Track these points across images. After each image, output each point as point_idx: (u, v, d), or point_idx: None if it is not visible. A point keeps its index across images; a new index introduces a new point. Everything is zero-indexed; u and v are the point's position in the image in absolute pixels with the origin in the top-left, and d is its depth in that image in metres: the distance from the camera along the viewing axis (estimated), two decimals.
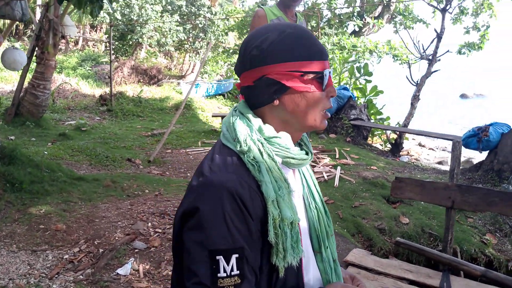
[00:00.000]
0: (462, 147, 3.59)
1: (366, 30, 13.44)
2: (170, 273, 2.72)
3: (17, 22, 8.84)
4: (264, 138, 0.90)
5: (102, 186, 4.25)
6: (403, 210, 4.17)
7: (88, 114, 9.59)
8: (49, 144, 6.22)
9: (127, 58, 15.07)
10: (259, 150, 0.88)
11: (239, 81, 0.99)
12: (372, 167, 5.64)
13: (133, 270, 2.73)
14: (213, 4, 15.45)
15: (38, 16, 10.28)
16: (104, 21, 15.00)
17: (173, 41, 14.86)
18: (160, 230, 3.32)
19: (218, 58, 15.59)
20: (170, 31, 14.41)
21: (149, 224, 3.43)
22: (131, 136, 7.53)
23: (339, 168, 5.27)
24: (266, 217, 0.83)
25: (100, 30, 19.44)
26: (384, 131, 8.48)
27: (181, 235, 0.86)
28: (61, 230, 3.16)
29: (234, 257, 0.78)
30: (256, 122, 0.92)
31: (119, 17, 13.81)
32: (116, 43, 14.45)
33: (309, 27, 11.85)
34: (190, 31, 15.08)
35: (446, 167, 7.86)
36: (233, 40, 17.74)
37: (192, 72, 16.00)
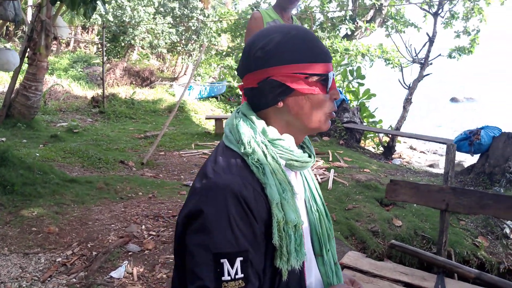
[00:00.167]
0: None
1: (358, 34, 13.53)
2: (164, 276, 2.71)
3: (8, 23, 8.75)
4: (268, 140, 0.90)
5: (95, 189, 4.22)
6: (396, 212, 4.20)
7: (80, 116, 9.51)
8: (40, 146, 6.15)
9: (119, 59, 15.00)
10: (263, 152, 0.88)
11: (240, 83, 0.99)
12: (365, 170, 5.67)
13: (127, 273, 2.71)
14: (206, 6, 15.45)
15: (29, 16, 10.19)
16: (96, 22, 14.92)
17: (166, 43, 14.83)
18: (154, 233, 3.30)
19: (211, 60, 15.58)
20: (162, 33, 14.38)
21: (143, 226, 3.41)
22: (124, 138, 7.49)
23: (332, 170, 5.29)
24: (270, 219, 0.83)
25: (92, 32, 19.34)
26: (376, 134, 8.53)
27: (183, 238, 0.85)
28: (54, 232, 3.13)
29: (238, 260, 0.78)
30: (260, 124, 0.91)
31: (111, 18, 13.75)
32: (108, 44, 14.38)
33: None
34: (183, 33, 15.06)
35: (438, 170, 7.93)
36: (226, 42, 17.74)
37: (184, 74, 15.97)
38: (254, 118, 0.92)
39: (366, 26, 12.64)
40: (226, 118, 8.46)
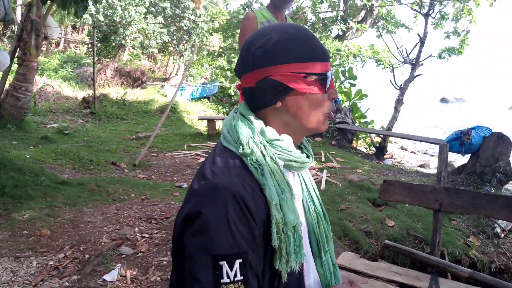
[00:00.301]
0: None
1: (350, 34, 13.58)
2: (158, 278, 2.69)
3: None
4: (266, 141, 0.89)
5: (86, 191, 4.18)
6: (388, 213, 4.22)
7: (70, 117, 9.43)
8: (31, 147, 6.08)
9: (110, 60, 14.90)
10: (262, 153, 0.87)
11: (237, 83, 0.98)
12: (357, 170, 5.70)
13: (120, 276, 2.68)
14: (197, 6, 15.40)
15: (18, 16, 10.06)
16: (87, 22, 14.80)
17: (157, 43, 14.76)
18: (147, 235, 3.28)
19: (203, 61, 15.54)
20: (153, 33, 14.31)
21: (136, 229, 3.38)
22: (116, 140, 7.43)
23: (325, 171, 5.30)
24: (268, 220, 0.82)
25: (82, 32, 19.16)
26: (368, 135, 8.58)
27: (181, 239, 0.84)
28: (46, 235, 3.09)
29: (237, 262, 0.77)
30: (258, 124, 0.91)
31: (101, 18, 13.64)
32: (99, 44, 14.26)
33: None
34: (174, 33, 15.00)
35: (428, 170, 8.00)
36: (217, 42, 17.71)
37: (176, 74, 15.91)
38: (252, 118, 0.91)
39: (357, 26, 12.69)
40: (219, 119, 8.44)
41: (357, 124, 8.85)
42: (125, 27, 13.83)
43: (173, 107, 10.62)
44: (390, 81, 8.65)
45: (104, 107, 10.27)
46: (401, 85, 8.48)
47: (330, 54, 11.25)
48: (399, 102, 8.43)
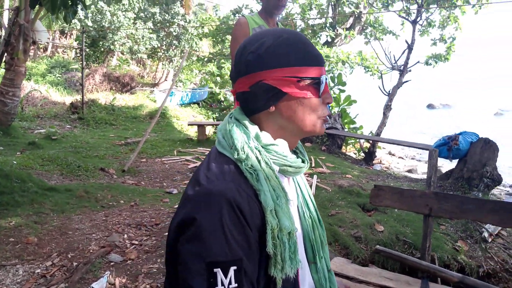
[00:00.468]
0: None
1: (339, 41, 13.71)
2: (148, 286, 2.65)
3: None
4: (262, 146, 0.89)
5: (75, 197, 4.12)
6: (378, 218, 4.24)
7: (58, 122, 9.32)
8: (18, 153, 5.99)
9: (98, 65, 14.80)
10: (257, 158, 0.86)
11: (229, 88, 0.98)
12: (347, 176, 5.72)
13: (109, 284, 2.64)
14: (187, 12, 15.40)
15: (6, 20, 9.95)
16: (75, 27, 14.69)
17: (146, 48, 14.71)
18: (136, 242, 3.24)
19: (193, 66, 15.52)
20: (143, 39, 14.26)
21: (125, 236, 3.34)
22: (104, 145, 7.36)
23: (315, 176, 5.31)
24: (263, 226, 0.81)
25: (70, 37, 19.01)
26: (357, 140, 8.64)
27: (175, 246, 0.83)
28: (33, 243, 3.03)
29: (232, 269, 0.76)
30: (253, 129, 0.90)
31: (90, 23, 13.56)
32: (87, 49, 14.16)
33: None
34: (164, 38, 14.97)
35: (416, 175, 8.09)
36: (207, 48, 17.71)
37: (165, 80, 15.87)
38: (247, 123, 0.91)
39: (346, 33, 12.83)
40: (209, 124, 8.42)
41: (346, 130, 8.91)
42: (114, 32, 13.77)
43: (163, 113, 10.58)
44: (379, 87, 8.74)
45: (93, 112, 10.18)
46: (389, 91, 8.58)
47: None
48: (387, 108, 8.52)
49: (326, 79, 0.93)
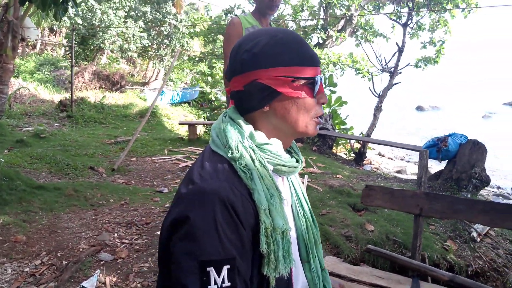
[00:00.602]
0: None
1: (330, 43, 13.77)
2: (138, 285, 2.64)
3: None
4: (256, 145, 0.88)
5: (63, 195, 4.08)
6: (368, 217, 4.26)
7: (47, 120, 9.21)
8: (6, 151, 5.91)
9: (88, 63, 14.68)
10: (251, 157, 0.86)
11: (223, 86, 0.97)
12: (338, 176, 5.75)
13: (99, 283, 2.62)
14: (178, 11, 15.34)
15: None
16: (64, 25, 14.54)
17: (137, 47, 14.62)
18: (127, 241, 3.22)
19: (184, 65, 15.46)
20: (133, 37, 14.17)
21: (115, 234, 3.32)
22: (93, 144, 7.29)
23: (306, 176, 5.33)
24: (257, 226, 0.81)
25: (60, 34, 18.82)
26: (348, 141, 8.68)
27: (168, 244, 0.82)
28: (21, 241, 3.00)
29: (225, 268, 0.75)
30: (247, 128, 0.90)
31: (80, 21, 13.44)
32: (77, 47, 14.03)
33: None
34: (155, 37, 14.89)
35: (406, 176, 8.15)
36: (198, 48, 17.66)
37: (156, 79, 15.80)
38: (241, 122, 0.91)
39: (337, 35, 12.89)
40: (200, 124, 8.39)
41: (337, 131, 8.96)
42: (104, 30, 13.66)
43: (153, 112, 10.52)
44: (370, 89, 8.80)
45: (82, 110, 10.08)
46: (380, 93, 8.64)
47: None
48: (378, 109, 8.58)
49: (321, 79, 0.92)
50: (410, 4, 8.89)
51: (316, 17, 13.70)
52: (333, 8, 13.35)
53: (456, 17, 9.50)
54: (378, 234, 3.94)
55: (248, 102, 0.90)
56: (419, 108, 23.76)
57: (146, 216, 3.72)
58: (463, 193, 4.69)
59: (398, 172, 9.26)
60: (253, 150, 0.87)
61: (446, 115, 21.16)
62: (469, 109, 22.37)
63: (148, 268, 2.79)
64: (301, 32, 13.39)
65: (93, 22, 13.56)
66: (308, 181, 5.15)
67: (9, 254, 2.84)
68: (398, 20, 9.17)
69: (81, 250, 2.98)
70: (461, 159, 4.96)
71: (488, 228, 3.88)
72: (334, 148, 8.61)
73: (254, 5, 2.64)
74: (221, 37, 13.63)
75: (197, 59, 14.54)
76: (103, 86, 13.67)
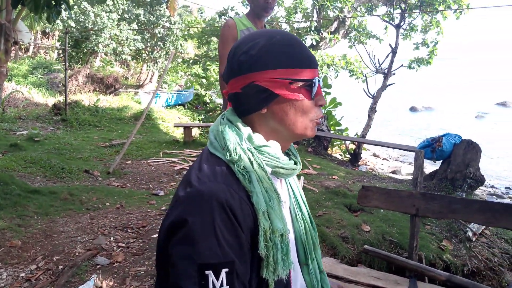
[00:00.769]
0: None
1: (323, 44, 13.81)
2: None
3: None
4: (254, 147, 0.88)
5: (59, 199, 4.05)
6: (364, 218, 4.27)
7: (41, 123, 9.15)
8: (0, 155, 5.87)
9: (81, 66, 14.61)
10: (249, 159, 0.86)
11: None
12: (333, 177, 5.76)
13: (96, 287, 2.60)
14: (172, 14, 15.33)
15: None
16: (57, 28, 14.47)
17: (130, 50, 14.58)
18: (123, 245, 3.20)
19: (178, 68, 15.44)
20: (127, 40, 14.13)
21: (112, 238, 3.30)
22: (88, 147, 7.26)
23: (302, 178, 5.34)
24: (256, 228, 0.81)
25: (53, 38, 18.72)
26: (343, 142, 8.71)
27: (166, 248, 0.81)
28: (16, 246, 2.97)
29: (224, 271, 0.75)
30: (246, 130, 0.90)
31: (73, 24, 13.38)
32: (70, 50, 13.96)
33: None
34: (148, 40, 14.86)
35: (400, 176, 8.19)
36: (192, 50, 17.63)
37: (150, 81, 15.76)
38: (239, 124, 0.90)
39: (330, 37, 12.93)
40: (195, 126, 8.37)
41: (332, 132, 8.98)
42: (98, 33, 13.60)
43: (148, 114, 10.49)
44: (364, 90, 8.84)
45: (76, 114, 10.03)
46: (374, 94, 8.68)
47: None
48: (372, 110, 8.62)
49: (319, 81, 0.92)
50: (403, 6, 8.94)
51: (310, 19, 13.73)
52: (326, 10, 13.39)
53: (448, 18, 9.57)
54: (374, 234, 3.95)
55: (245, 104, 0.90)
56: (413, 109, 23.87)
57: (142, 219, 3.70)
58: (458, 193, 4.72)
59: (393, 172, 9.29)
60: (251, 152, 0.87)
61: (439, 116, 21.29)
62: (462, 110, 22.53)
63: (145, 272, 2.77)
64: (295, 34, 13.42)
65: (86, 25, 13.50)
66: (304, 182, 5.16)
67: (4, 259, 2.82)
68: (391, 21, 9.23)
69: (77, 254, 2.96)
70: (456, 159, 4.99)
71: (483, 227, 3.90)
72: (329, 149, 8.63)
73: (248, 7, 2.65)
74: (215, 39, 13.64)
75: (191, 61, 14.53)
76: (97, 89, 13.62)
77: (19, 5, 4.37)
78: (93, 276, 2.68)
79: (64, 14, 12.05)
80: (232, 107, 0.96)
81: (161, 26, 14.56)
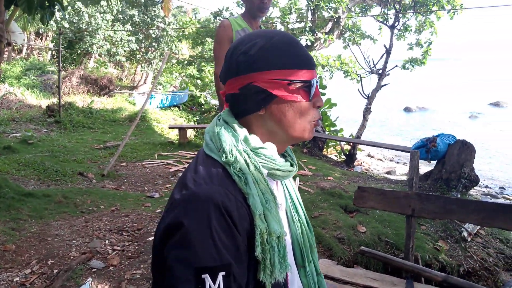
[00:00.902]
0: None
1: (318, 45, 13.84)
2: None
3: None
4: (250, 149, 0.87)
5: (53, 202, 4.02)
6: (360, 219, 4.28)
7: (34, 125, 9.08)
8: None
9: (75, 67, 14.54)
10: (246, 161, 0.85)
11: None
12: (329, 178, 5.77)
13: None
14: (166, 14, 15.29)
15: None
16: (51, 29, 14.39)
17: (124, 51, 14.52)
18: (118, 248, 3.18)
19: (173, 69, 15.39)
20: (121, 41, 14.08)
21: (107, 241, 3.28)
22: (82, 149, 7.21)
23: (297, 179, 5.34)
24: (252, 231, 0.80)
25: (46, 39, 18.61)
26: (338, 143, 8.72)
27: (162, 251, 0.80)
28: (10, 250, 2.94)
29: (221, 275, 0.73)
30: (242, 132, 0.89)
31: (67, 25, 13.30)
32: (64, 52, 13.89)
33: None
34: (143, 41, 14.81)
35: (395, 177, 8.21)
36: (187, 51, 17.60)
37: (144, 83, 15.70)
38: (236, 125, 0.89)
39: (325, 37, 12.96)
40: (190, 128, 8.35)
41: (327, 133, 8.99)
42: (92, 34, 13.54)
43: (143, 116, 10.46)
44: (359, 91, 8.86)
45: (70, 115, 9.97)
46: (368, 95, 8.71)
47: None
48: (367, 110, 8.64)
49: (317, 82, 0.91)
50: (397, 6, 8.98)
51: (304, 20, 13.76)
52: (320, 11, 13.42)
53: (442, 19, 9.62)
54: (370, 235, 3.95)
55: (243, 105, 0.89)
56: (407, 110, 23.97)
57: (137, 222, 3.68)
58: (453, 193, 4.74)
59: (388, 173, 9.32)
60: (247, 154, 0.86)
61: (433, 116, 21.40)
62: (456, 110, 22.67)
63: (141, 275, 2.76)
64: None
65: (80, 25, 13.44)
66: (299, 184, 5.16)
67: None
68: (385, 22, 9.27)
69: (72, 258, 2.93)
70: (450, 159, 5.01)
71: (478, 227, 3.92)
72: (324, 150, 8.64)
73: (244, 7, 2.64)
74: (209, 39, 13.61)
75: (186, 62, 14.50)
76: (91, 91, 13.55)
77: (12, 6, 4.33)
78: (88, 280, 2.66)
79: (57, 15, 11.98)
80: (229, 108, 0.95)
81: (155, 27, 14.52)
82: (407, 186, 4.12)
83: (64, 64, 14.20)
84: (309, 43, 13.55)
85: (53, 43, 17.02)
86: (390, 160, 11.99)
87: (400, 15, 9.12)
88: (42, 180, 5.04)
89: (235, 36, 2.49)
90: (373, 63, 8.95)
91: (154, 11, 14.61)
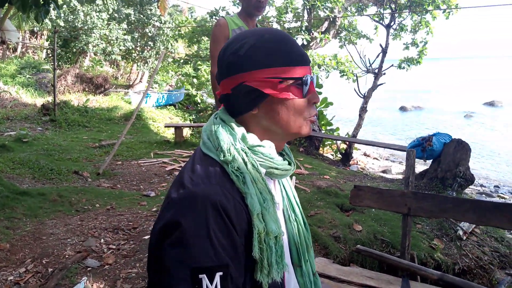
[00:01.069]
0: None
1: (314, 44, 13.85)
2: None
3: None
4: (248, 147, 0.86)
5: (48, 201, 4.00)
6: (356, 217, 4.29)
7: (29, 124, 9.03)
8: None
9: (70, 66, 14.46)
10: (243, 160, 0.84)
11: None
12: (325, 176, 5.78)
13: None
14: (162, 13, 15.24)
15: None
16: (46, 27, 14.30)
17: (120, 49, 14.46)
18: (114, 246, 3.17)
19: (169, 68, 15.34)
20: (117, 40, 14.01)
21: (102, 240, 3.26)
22: (77, 148, 7.18)
23: (294, 178, 5.34)
24: (250, 230, 0.79)
25: (41, 37, 18.50)
26: (334, 142, 8.73)
27: (158, 251, 0.80)
28: (5, 249, 2.92)
29: (218, 275, 0.73)
30: (239, 130, 0.88)
31: (62, 23, 13.22)
32: (59, 50, 13.81)
33: None
34: (139, 39, 14.75)
35: (391, 175, 8.24)
36: (183, 50, 17.55)
37: (140, 81, 15.65)
38: (233, 124, 0.89)
39: (321, 37, 12.97)
40: (186, 126, 8.33)
41: (323, 132, 9.00)
42: (87, 33, 13.47)
43: (139, 114, 10.42)
44: (355, 90, 8.87)
45: (65, 114, 9.92)
46: (364, 94, 8.72)
47: None
48: (363, 110, 8.66)
49: (311, 78, 0.90)
50: (393, 6, 9.00)
51: (300, 19, 13.75)
52: (316, 10, 13.42)
53: (438, 18, 9.65)
54: (366, 234, 3.96)
55: (237, 105, 0.89)
56: (403, 109, 24.05)
57: (133, 220, 3.67)
58: (449, 192, 4.76)
59: (384, 172, 9.35)
60: (245, 152, 0.85)
61: (429, 115, 21.48)
62: (451, 109, 22.77)
63: (136, 274, 2.74)
64: None
65: (76, 24, 13.36)
66: (296, 182, 5.16)
67: None
68: (381, 21, 9.28)
69: (67, 256, 2.92)
70: (446, 158, 5.03)
71: (473, 226, 3.93)
72: (320, 149, 8.65)
73: (240, 6, 2.63)
74: (205, 38, 13.59)
75: (182, 61, 14.46)
76: (87, 89, 13.48)
77: (7, 4, 4.29)
78: (83, 278, 2.65)
79: (52, 13, 11.92)
80: (224, 107, 0.94)
81: (151, 25, 14.47)
82: (403, 185, 4.13)
83: (59, 63, 14.12)
84: (305, 43, 13.55)
85: (48, 42, 16.92)
86: (386, 159, 12.03)
87: (396, 15, 9.14)
88: (37, 179, 5.01)
89: (232, 35, 2.48)
90: (369, 63, 8.97)
91: (150, 10, 14.56)
